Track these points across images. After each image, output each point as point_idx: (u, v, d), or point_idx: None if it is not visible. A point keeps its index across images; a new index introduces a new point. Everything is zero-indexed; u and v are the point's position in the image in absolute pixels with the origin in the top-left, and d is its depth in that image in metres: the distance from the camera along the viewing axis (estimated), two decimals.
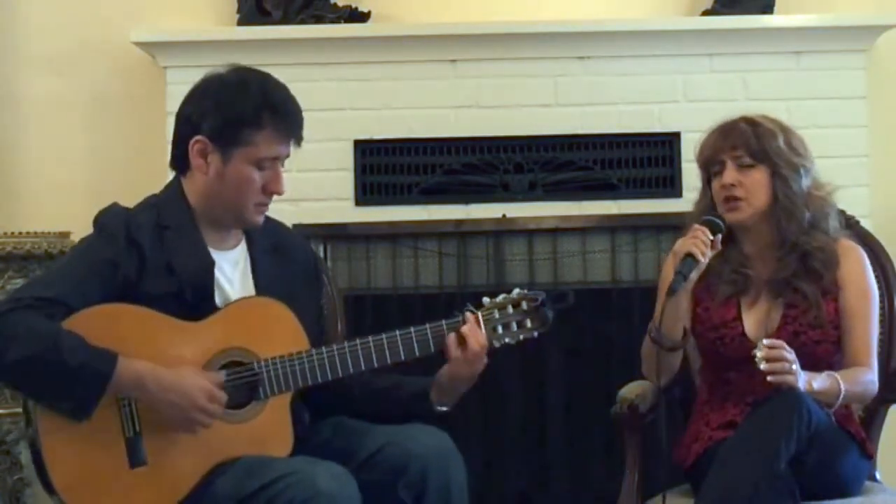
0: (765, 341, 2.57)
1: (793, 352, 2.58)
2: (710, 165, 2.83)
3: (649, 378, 2.89)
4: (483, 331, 2.52)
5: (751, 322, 2.80)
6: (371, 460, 2.44)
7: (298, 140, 2.53)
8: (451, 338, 2.50)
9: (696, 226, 2.74)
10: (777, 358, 2.53)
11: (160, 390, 2.35)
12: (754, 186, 2.77)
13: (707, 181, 2.86)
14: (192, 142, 2.48)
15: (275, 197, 2.54)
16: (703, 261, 2.69)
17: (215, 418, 2.39)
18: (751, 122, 2.81)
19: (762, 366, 2.52)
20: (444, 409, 2.57)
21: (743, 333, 2.78)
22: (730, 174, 2.77)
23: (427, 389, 2.56)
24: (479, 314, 2.54)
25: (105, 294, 2.40)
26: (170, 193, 2.56)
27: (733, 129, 2.80)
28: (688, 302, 2.79)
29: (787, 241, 2.79)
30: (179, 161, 2.54)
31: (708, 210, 2.82)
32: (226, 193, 2.49)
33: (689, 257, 2.68)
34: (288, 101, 2.51)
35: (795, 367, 2.55)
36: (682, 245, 2.71)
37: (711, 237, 2.71)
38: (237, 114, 2.45)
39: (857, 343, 2.76)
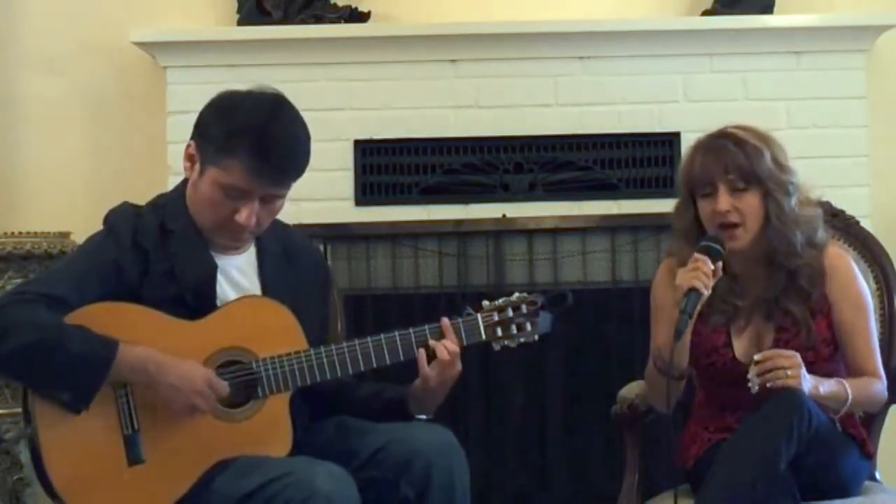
0: (756, 356, 2.54)
1: (795, 354, 2.55)
2: (697, 187, 2.74)
3: (656, 405, 2.83)
4: (455, 337, 2.51)
5: (741, 346, 2.75)
6: (374, 458, 2.44)
7: (280, 184, 2.43)
8: (422, 353, 2.50)
9: (697, 255, 2.63)
10: (768, 369, 2.52)
11: (160, 373, 2.36)
12: (749, 210, 2.68)
13: (690, 197, 2.76)
14: (187, 144, 2.49)
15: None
16: (707, 293, 2.61)
17: (213, 406, 2.39)
18: (738, 142, 2.70)
19: (755, 389, 2.51)
20: (424, 417, 2.58)
21: (734, 358, 2.73)
22: (724, 200, 2.68)
23: (404, 398, 2.57)
24: (479, 316, 2.54)
25: (106, 295, 2.41)
26: (176, 195, 2.55)
27: (723, 150, 2.69)
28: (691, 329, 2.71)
29: (777, 261, 2.72)
30: None
31: (693, 226, 2.75)
32: (198, 205, 2.48)
33: (693, 292, 2.58)
34: (280, 144, 2.40)
35: (796, 370, 2.52)
36: (685, 279, 2.60)
37: (713, 266, 2.62)
38: (218, 132, 2.42)
39: (860, 355, 2.73)
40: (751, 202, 2.69)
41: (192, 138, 2.49)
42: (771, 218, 2.69)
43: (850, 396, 2.63)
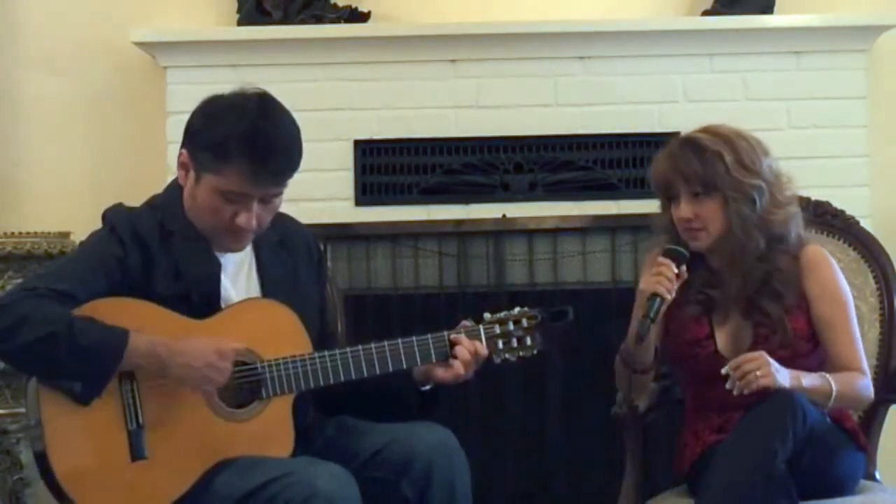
0: (723, 370, 2.56)
1: (761, 354, 2.56)
2: (665, 192, 2.78)
3: (623, 395, 2.86)
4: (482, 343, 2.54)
5: (723, 339, 2.76)
6: (375, 458, 2.45)
7: (278, 184, 2.43)
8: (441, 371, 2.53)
9: (661, 259, 2.69)
10: (739, 378, 2.53)
11: (171, 355, 2.35)
12: (710, 215, 2.71)
13: (665, 198, 2.80)
14: (178, 153, 2.49)
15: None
16: (670, 297, 2.65)
17: (227, 374, 2.38)
18: (697, 149, 2.71)
19: (736, 392, 2.53)
20: (427, 388, 2.59)
21: (716, 351, 2.75)
22: (685, 208, 2.71)
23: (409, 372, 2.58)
24: (481, 328, 2.55)
25: (112, 291, 2.41)
26: (171, 196, 2.54)
27: (681, 158, 2.72)
28: (658, 326, 2.74)
29: (745, 264, 2.74)
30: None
31: (670, 225, 2.78)
32: (198, 212, 2.48)
33: (656, 297, 2.64)
34: (273, 146, 2.39)
35: (765, 369, 2.52)
36: (647, 284, 2.66)
37: (676, 270, 2.67)
38: (210, 139, 2.41)
39: (842, 351, 2.71)
40: (710, 207, 2.71)
41: (182, 146, 2.48)
42: (732, 223, 2.71)
43: (835, 390, 2.62)
